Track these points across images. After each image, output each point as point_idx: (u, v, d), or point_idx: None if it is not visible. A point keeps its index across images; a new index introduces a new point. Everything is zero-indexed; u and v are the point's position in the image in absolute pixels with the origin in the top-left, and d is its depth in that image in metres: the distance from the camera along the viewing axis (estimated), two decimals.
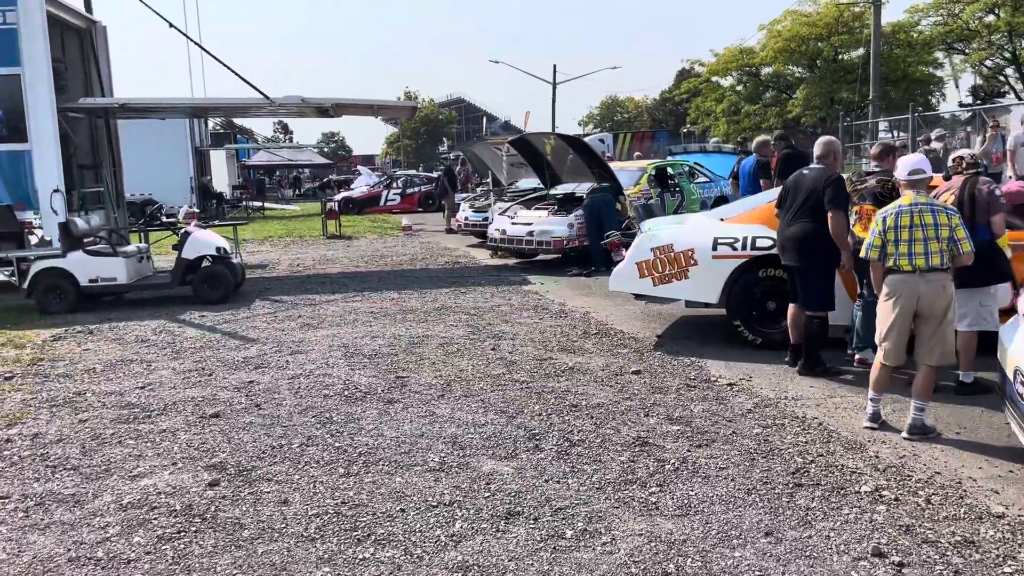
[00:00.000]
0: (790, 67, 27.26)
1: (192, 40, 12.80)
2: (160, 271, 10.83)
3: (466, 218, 15.73)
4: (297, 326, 8.15)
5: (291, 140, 74.80)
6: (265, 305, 9.54)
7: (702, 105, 28.93)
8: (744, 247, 6.64)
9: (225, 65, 12.20)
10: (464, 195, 19.62)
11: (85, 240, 9.59)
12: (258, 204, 31.44)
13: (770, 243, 6.51)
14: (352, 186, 35.70)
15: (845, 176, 6.16)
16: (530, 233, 11.78)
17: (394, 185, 28.67)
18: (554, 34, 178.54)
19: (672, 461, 4.30)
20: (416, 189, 28.13)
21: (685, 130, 58.16)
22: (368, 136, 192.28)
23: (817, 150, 6.14)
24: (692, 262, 6.81)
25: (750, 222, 6.82)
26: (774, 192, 6.95)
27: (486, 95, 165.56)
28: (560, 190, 13.25)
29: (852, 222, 6.00)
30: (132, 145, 26.28)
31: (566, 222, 11.64)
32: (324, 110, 12.66)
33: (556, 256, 12.28)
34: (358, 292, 10.41)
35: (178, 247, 9.67)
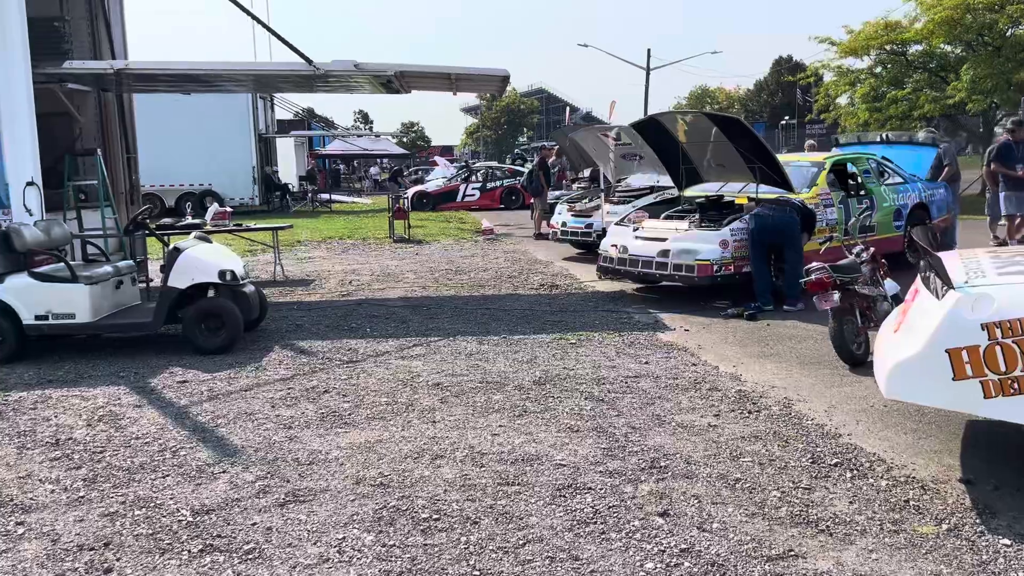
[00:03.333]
0: (944, 45, 22.77)
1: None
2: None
3: (563, 224, 12.41)
4: (316, 416, 5.00)
5: (371, 130, 72.97)
6: (283, 360, 6.45)
7: (834, 90, 24.70)
8: None
9: (258, 20, 9.21)
10: (557, 193, 16.30)
11: (37, 258, 6.72)
12: (325, 197, 28.87)
13: None
14: (427, 178, 32.93)
15: None
16: (663, 253, 8.36)
17: (473, 178, 25.61)
18: (639, 23, 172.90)
19: None
20: (498, 183, 24.98)
21: (783, 122, 53.10)
22: (447, 127, 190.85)
23: None
24: None
25: None
26: None
27: (567, 86, 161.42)
28: (696, 191, 9.77)
29: None
30: (189, 130, 24.06)
31: (717, 238, 8.16)
32: (387, 82, 9.54)
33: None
34: (421, 337, 7.24)
35: (164, 270, 6.69)
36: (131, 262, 7.48)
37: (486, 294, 9.60)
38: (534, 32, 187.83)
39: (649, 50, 44.06)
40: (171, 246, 6.70)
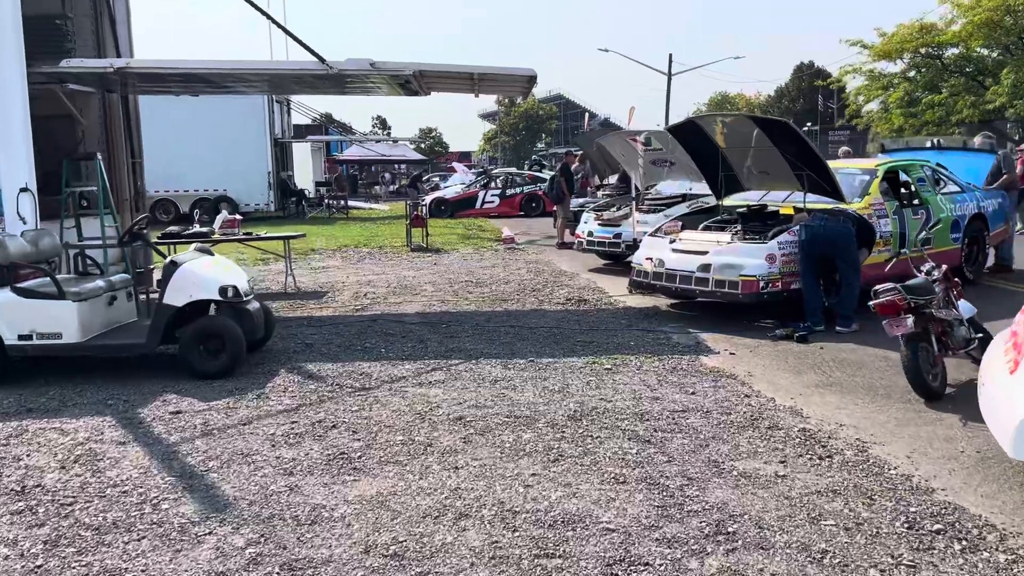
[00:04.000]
0: (981, 49, 21.90)
1: None
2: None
3: (590, 233, 11.75)
4: (321, 458, 4.37)
5: (388, 135, 72.63)
6: (289, 387, 5.84)
7: (867, 94, 23.83)
8: None
9: (269, 17, 8.64)
10: (580, 200, 15.66)
11: (22, 272, 6.15)
12: (342, 203, 28.36)
13: None
14: (444, 184, 32.41)
15: None
16: (704, 267, 7.68)
17: (492, 185, 24.99)
18: (656, 28, 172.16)
19: None
20: (518, 190, 24.35)
21: (805, 128, 52.09)
22: (465, 133, 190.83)
23: None
24: None
25: None
26: None
27: (585, 92, 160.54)
28: (736, 200, 9.08)
29: None
30: (203, 135, 23.67)
31: (764, 252, 7.48)
32: (405, 82, 8.95)
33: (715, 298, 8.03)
34: (441, 359, 6.60)
35: (160, 285, 6.10)
36: (127, 276, 6.90)
37: (509, 309, 8.96)
38: (550, 38, 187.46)
39: (671, 55, 43.34)
40: (168, 259, 6.10)
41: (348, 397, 5.52)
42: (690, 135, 8.71)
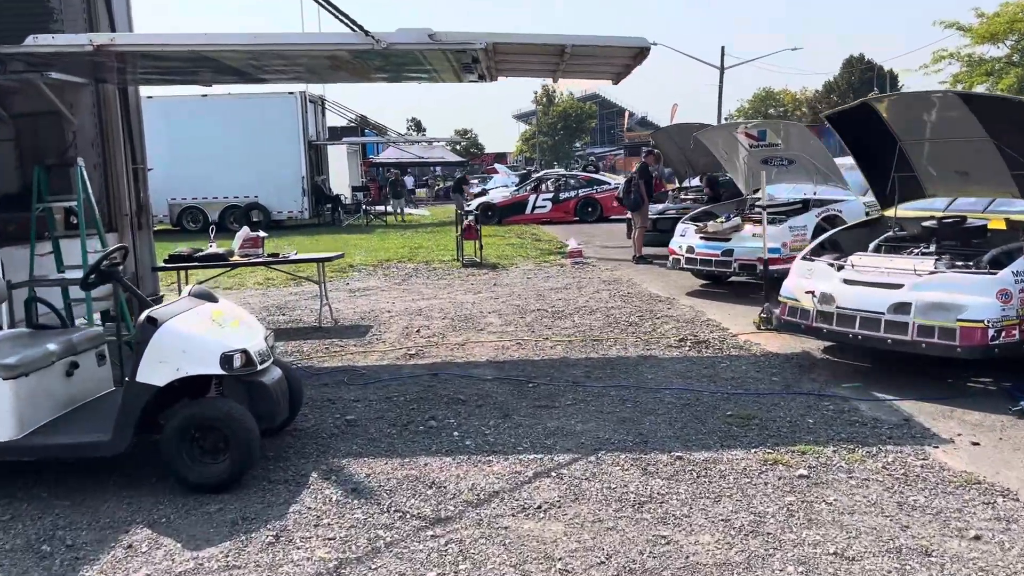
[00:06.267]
0: None
1: None
2: None
3: (689, 249, 9.56)
4: None
5: (424, 135, 70.70)
6: (324, 513, 3.78)
7: (969, 81, 21.25)
8: None
9: None
10: (658, 207, 13.46)
11: None
12: (382, 209, 26.51)
13: None
14: (487, 187, 30.45)
15: None
16: (898, 308, 5.45)
17: (543, 188, 22.90)
18: (704, 23, 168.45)
19: None
20: (572, 194, 22.20)
21: None
22: (500, 134, 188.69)
23: None
24: None
25: None
26: None
27: (620, 90, 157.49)
28: (911, 210, 6.82)
29: None
30: (233, 139, 21.87)
31: (994, 287, 5.23)
32: (470, 62, 6.89)
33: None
34: (542, 451, 4.51)
35: (134, 356, 4.08)
36: (98, 329, 4.93)
37: (608, 355, 6.84)
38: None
39: (723, 47, 40.83)
40: (144, 314, 4.07)
41: (416, 543, 3.45)
42: (856, 124, 6.50)
